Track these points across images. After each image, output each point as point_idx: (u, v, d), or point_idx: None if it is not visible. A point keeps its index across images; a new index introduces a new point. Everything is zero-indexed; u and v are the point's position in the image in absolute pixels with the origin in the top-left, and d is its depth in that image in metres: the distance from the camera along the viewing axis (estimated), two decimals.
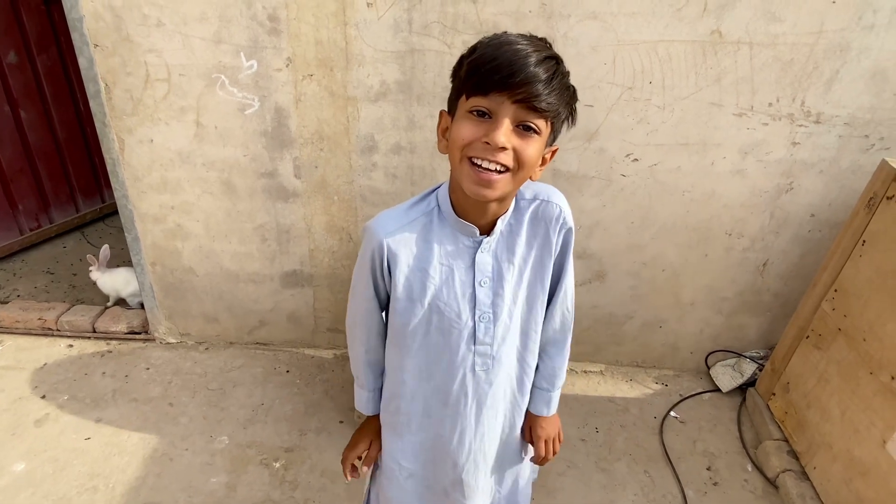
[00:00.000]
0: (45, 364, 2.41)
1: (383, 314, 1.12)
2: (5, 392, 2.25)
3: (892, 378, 1.65)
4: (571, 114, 0.90)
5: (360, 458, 1.26)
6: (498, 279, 1.02)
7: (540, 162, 0.91)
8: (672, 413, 2.31)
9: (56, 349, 2.49)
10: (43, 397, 2.24)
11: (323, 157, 2.09)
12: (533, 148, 0.85)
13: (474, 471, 1.17)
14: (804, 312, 2.06)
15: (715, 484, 2.03)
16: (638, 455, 2.12)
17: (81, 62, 1.95)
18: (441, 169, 2.09)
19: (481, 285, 1.01)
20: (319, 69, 1.92)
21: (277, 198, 2.19)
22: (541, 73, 0.80)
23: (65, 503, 1.84)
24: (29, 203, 3.08)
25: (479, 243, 0.99)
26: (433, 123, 2.00)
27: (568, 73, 0.86)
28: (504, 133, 0.82)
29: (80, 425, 2.12)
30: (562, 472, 2.03)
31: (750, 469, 2.09)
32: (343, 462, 1.25)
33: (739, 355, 2.44)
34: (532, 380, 1.18)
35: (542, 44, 0.84)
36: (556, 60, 0.83)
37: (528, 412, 1.23)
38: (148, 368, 2.42)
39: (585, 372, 2.51)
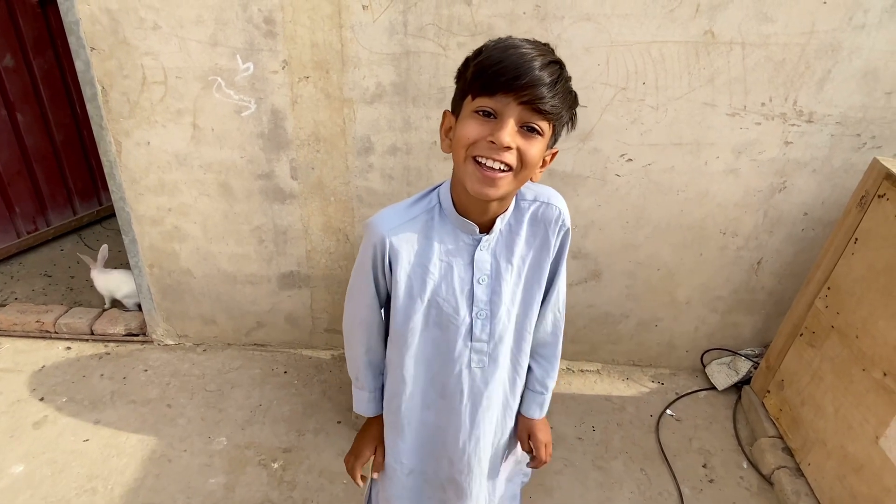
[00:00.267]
0: (43, 366, 2.41)
1: (382, 312, 1.13)
2: (3, 394, 2.25)
3: (885, 374, 1.67)
4: (572, 117, 0.93)
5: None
6: (496, 277, 1.03)
7: (541, 163, 0.93)
8: (668, 411, 2.33)
9: (54, 351, 2.50)
10: (41, 399, 2.24)
11: (319, 158, 2.10)
12: (536, 148, 0.88)
13: (468, 474, 1.18)
14: (798, 310, 2.08)
15: (711, 481, 2.05)
16: (634, 453, 2.14)
17: (78, 65, 1.96)
18: (437, 170, 2.10)
19: (479, 283, 1.02)
20: (315, 71, 1.94)
21: (274, 199, 2.20)
22: (545, 76, 0.82)
23: None
24: (26, 206, 3.08)
25: (479, 241, 1.01)
26: (429, 125, 2.01)
27: (570, 77, 0.88)
28: (509, 133, 0.84)
29: (78, 427, 2.13)
30: (559, 470, 2.04)
31: (745, 466, 2.11)
32: (350, 472, 1.24)
33: (734, 353, 2.46)
34: (523, 381, 1.20)
35: (546, 48, 0.86)
36: (559, 65, 0.86)
37: (520, 417, 1.24)
38: (146, 370, 2.43)
39: (582, 371, 2.53)
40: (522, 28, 1.83)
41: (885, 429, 1.65)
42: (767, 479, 2.04)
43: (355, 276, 1.08)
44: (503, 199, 0.97)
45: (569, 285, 2.07)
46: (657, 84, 1.91)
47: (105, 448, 2.05)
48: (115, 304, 2.72)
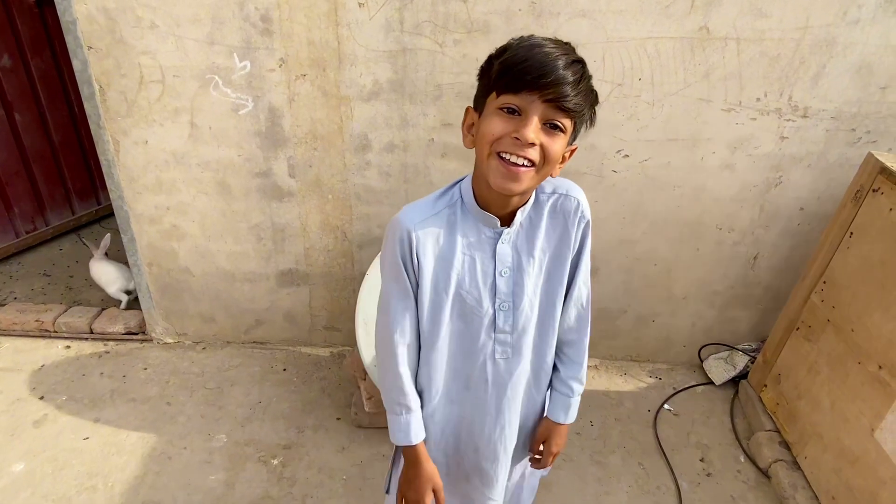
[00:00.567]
0: (43, 365, 2.42)
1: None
2: (4, 394, 2.26)
3: (880, 367, 1.68)
4: (592, 115, 0.95)
5: None
6: (518, 270, 1.05)
7: (561, 159, 0.95)
8: (666, 406, 2.34)
9: (54, 350, 2.50)
10: (41, 398, 2.25)
11: (317, 156, 2.11)
12: (558, 145, 0.90)
13: (494, 461, 1.19)
14: (794, 304, 2.09)
15: (708, 475, 2.06)
16: (632, 447, 2.15)
17: (75, 65, 1.96)
18: (434, 167, 2.11)
19: (502, 275, 1.04)
20: (312, 69, 1.94)
21: (272, 197, 2.21)
22: (569, 75, 0.84)
23: (64, 502, 1.86)
24: (25, 206, 3.08)
25: (500, 234, 1.03)
26: (426, 122, 2.02)
27: (591, 76, 0.91)
28: (533, 130, 0.86)
29: (78, 425, 2.14)
30: (557, 465, 2.05)
31: (742, 460, 2.12)
32: None
33: (732, 348, 2.47)
34: (549, 376, 1.20)
35: (568, 47, 0.88)
36: (582, 64, 0.88)
37: (544, 419, 1.24)
38: (146, 368, 2.43)
39: None
40: (518, 25, 1.84)
41: (881, 421, 1.66)
42: (764, 473, 2.05)
43: (386, 283, 1.07)
44: (524, 193, 0.99)
45: None
46: (653, 80, 1.92)
47: (105, 446, 2.06)
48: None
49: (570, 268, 1.10)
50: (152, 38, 1.91)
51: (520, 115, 0.87)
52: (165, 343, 2.59)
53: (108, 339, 2.57)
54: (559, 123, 0.88)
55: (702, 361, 2.52)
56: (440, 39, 1.88)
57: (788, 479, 1.95)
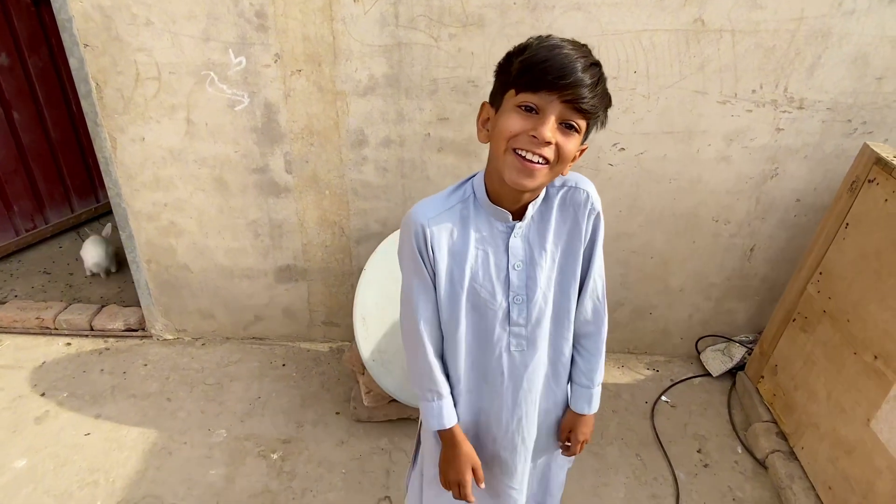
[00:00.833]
0: (43, 362, 2.43)
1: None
2: (5, 391, 2.28)
3: (876, 357, 1.69)
4: (605, 118, 0.97)
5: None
6: (530, 263, 1.07)
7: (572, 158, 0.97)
8: (663, 398, 2.35)
9: (54, 348, 2.52)
10: (42, 395, 2.27)
11: (314, 151, 2.11)
12: (572, 144, 0.92)
13: (513, 451, 1.21)
14: (790, 296, 2.10)
15: (705, 466, 2.07)
16: (630, 439, 2.16)
17: (72, 62, 1.97)
18: (431, 161, 2.11)
19: (514, 269, 1.06)
20: (308, 64, 1.94)
21: (269, 193, 2.21)
22: (587, 78, 0.87)
23: (66, 498, 1.88)
24: (24, 204, 3.09)
25: (512, 228, 1.04)
26: (422, 116, 2.02)
27: (607, 79, 0.93)
28: (550, 129, 0.89)
29: (79, 422, 2.15)
30: None
31: (740, 451, 2.13)
32: (466, 498, 1.18)
33: (729, 340, 2.48)
34: (567, 369, 1.22)
35: (586, 49, 0.91)
36: (599, 67, 0.91)
37: (567, 410, 1.26)
38: (146, 365, 2.45)
39: None
40: (513, 18, 1.84)
41: (876, 411, 1.67)
42: (761, 463, 2.06)
43: (407, 277, 1.09)
44: (536, 189, 1.01)
45: None
46: (648, 73, 1.92)
47: (106, 442, 2.08)
48: (99, 273, 2.95)
49: (584, 260, 1.11)
50: (147, 35, 1.91)
51: (537, 113, 0.90)
52: (165, 339, 2.60)
53: (108, 336, 2.59)
54: (574, 124, 0.91)
55: (699, 353, 2.53)
56: (435, 33, 1.88)
57: (785, 469, 1.96)
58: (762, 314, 2.43)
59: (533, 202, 1.04)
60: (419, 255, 1.05)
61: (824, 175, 2.09)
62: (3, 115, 2.86)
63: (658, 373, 2.49)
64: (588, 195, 1.07)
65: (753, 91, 1.94)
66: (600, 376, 1.23)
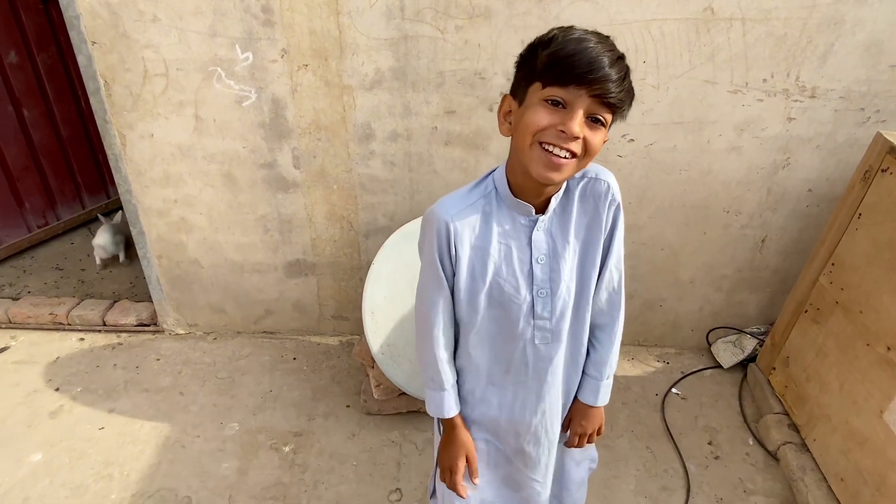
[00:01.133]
0: (57, 358, 2.46)
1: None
2: (20, 385, 2.31)
3: (889, 349, 1.67)
4: (627, 111, 0.96)
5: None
6: (554, 256, 1.07)
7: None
8: (674, 390, 2.34)
9: (68, 343, 2.55)
10: (57, 390, 2.30)
11: (321, 146, 2.11)
12: (599, 138, 0.92)
13: (536, 444, 1.21)
14: (802, 287, 2.08)
15: (716, 458, 2.06)
16: (640, 431, 2.16)
17: (80, 60, 1.98)
18: (438, 155, 2.11)
19: (538, 262, 1.06)
20: (314, 59, 1.94)
21: (278, 188, 2.22)
22: (614, 73, 0.87)
23: (82, 491, 1.90)
24: (36, 201, 3.12)
25: (535, 222, 1.04)
26: (428, 110, 2.01)
27: (631, 71, 0.93)
28: (579, 123, 0.89)
29: (93, 416, 2.18)
30: None
31: (751, 443, 2.12)
32: (453, 489, 1.22)
33: (740, 331, 2.46)
34: (584, 359, 1.21)
35: (610, 42, 0.90)
36: (624, 60, 0.90)
37: (575, 400, 1.25)
38: (158, 359, 2.47)
39: None
40: (520, 9, 1.82)
41: (889, 402, 1.65)
42: (773, 455, 2.05)
43: (425, 272, 1.10)
44: (560, 183, 1.01)
45: None
46: (657, 62, 1.90)
47: (120, 435, 2.10)
48: (110, 260, 3.05)
49: (602, 251, 1.11)
50: (155, 32, 1.91)
51: (564, 107, 0.89)
52: (177, 334, 2.63)
53: (120, 331, 2.61)
54: (601, 118, 0.90)
55: (710, 345, 2.51)
56: (441, 26, 1.87)
57: (797, 461, 1.95)
58: (774, 306, 2.41)
59: (555, 195, 1.04)
60: (440, 252, 1.05)
61: (837, 165, 2.07)
62: (14, 113, 2.89)
63: (668, 365, 2.48)
64: (609, 186, 1.07)
65: (764, 80, 1.91)
66: (611, 369, 1.22)
